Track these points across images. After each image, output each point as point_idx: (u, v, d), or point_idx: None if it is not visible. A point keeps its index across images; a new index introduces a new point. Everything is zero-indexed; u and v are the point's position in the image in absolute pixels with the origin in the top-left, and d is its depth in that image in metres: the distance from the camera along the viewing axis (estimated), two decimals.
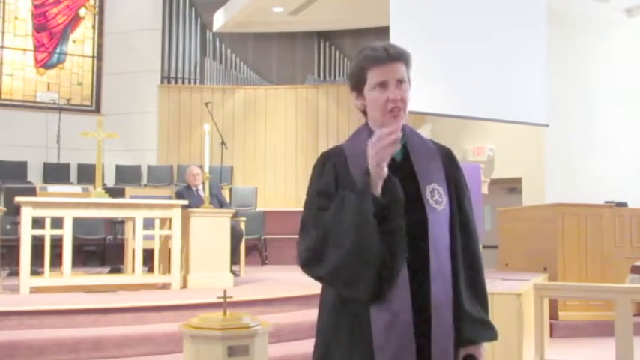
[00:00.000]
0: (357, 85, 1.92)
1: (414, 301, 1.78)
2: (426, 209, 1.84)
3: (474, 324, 1.89)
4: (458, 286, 1.88)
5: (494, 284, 5.87)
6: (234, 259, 7.27)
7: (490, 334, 1.92)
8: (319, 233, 1.77)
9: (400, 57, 1.88)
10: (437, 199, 1.88)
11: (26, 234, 5.54)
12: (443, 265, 1.85)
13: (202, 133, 6.99)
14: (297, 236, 1.87)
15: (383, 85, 1.86)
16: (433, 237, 1.84)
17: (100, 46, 12.01)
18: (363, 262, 1.71)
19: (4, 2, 11.40)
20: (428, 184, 1.88)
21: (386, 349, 1.75)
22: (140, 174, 11.35)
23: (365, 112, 1.95)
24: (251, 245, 9.42)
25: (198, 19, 12.17)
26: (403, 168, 1.87)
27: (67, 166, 10.65)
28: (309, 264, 1.79)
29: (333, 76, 12.15)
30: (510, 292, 5.17)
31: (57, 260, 5.91)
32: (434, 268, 1.82)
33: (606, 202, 7.79)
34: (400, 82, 1.87)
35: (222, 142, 9.37)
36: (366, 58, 1.88)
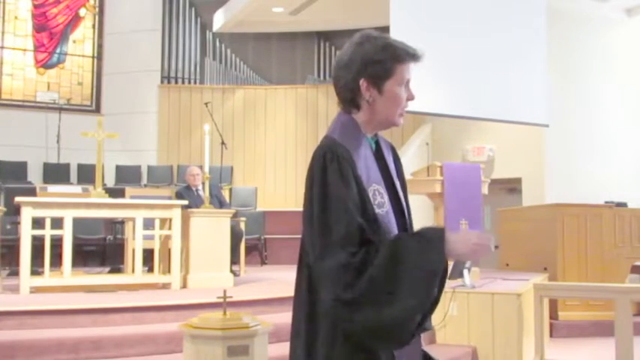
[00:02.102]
0: (379, 76, 1.77)
1: None
2: (404, 207, 1.87)
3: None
4: None
5: (495, 284, 5.88)
6: (234, 259, 7.27)
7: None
8: (367, 277, 1.59)
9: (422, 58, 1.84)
10: (404, 194, 1.91)
11: (26, 234, 5.53)
12: None
13: (202, 133, 6.99)
14: (314, 240, 1.68)
15: (407, 83, 1.81)
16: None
17: (100, 46, 12.00)
18: (414, 319, 1.64)
19: (4, 2, 11.39)
20: (396, 180, 1.89)
21: (402, 353, 1.74)
22: (140, 174, 11.35)
23: (358, 105, 1.81)
24: (251, 245, 9.42)
25: (198, 19, 12.17)
26: (382, 163, 1.86)
27: (67, 166, 10.65)
28: (349, 306, 1.59)
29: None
30: (510, 292, 5.18)
31: (57, 260, 5.91)
32: None
33: (606, 202, 7.79)
34: None
35: (222, 142, 9.37)
36: (405, 51, 1.78)
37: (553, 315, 6.88)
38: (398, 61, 1.77)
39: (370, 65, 1.76)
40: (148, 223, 6.07)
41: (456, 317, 5.10)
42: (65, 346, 4.15)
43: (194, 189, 7.56)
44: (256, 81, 12.16)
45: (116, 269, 7.48)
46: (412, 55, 1.79)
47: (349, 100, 1.83)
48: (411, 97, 1.82)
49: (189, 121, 11.70)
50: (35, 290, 5.57)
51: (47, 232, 5.69)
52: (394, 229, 1.76)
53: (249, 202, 10.37)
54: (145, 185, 11.12)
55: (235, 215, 7.47)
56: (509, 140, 9.40)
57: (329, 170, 1.70)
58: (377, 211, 1.72)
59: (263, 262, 9.67)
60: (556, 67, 8.77)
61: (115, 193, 7.47)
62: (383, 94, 1.79)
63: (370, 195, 1.73)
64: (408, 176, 6.53)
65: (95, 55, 12.01)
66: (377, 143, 1.89)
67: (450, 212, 6.25)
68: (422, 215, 7.26)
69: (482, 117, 8.29)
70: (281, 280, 6.89)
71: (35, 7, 11.65)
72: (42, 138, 10.76)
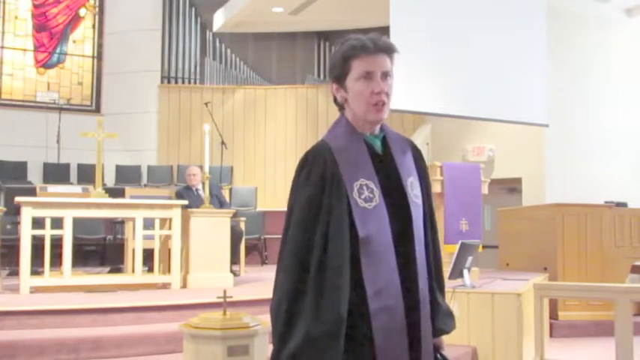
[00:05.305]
0: (340, 76, 1.85)
1: (405, 298, 1.80)
2: (410, 203, 1.85)
3: (444, 315, 1.95)
4: (431, 279, 1.92)
5: (495, 284, 5.87)
6: (234, 259, 7.27)
7: (454, 324, 1.99)
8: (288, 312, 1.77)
9: (387, 49, 1.83)
10: (416, 192, 1.89)
11: (26, 234, 5.54)
12: (423, 259, 1.87)
13: (202, 133, 6.99)
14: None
15: (368, 76, 1.81)
16: (416, 231, 1.85)
17: (100, 46, 12.00)
18: None
19: (4, 2, 11.39)
20: (407, 177, 1.88)
21: (386, 350, 1.75)
22: (140, 174, 11.35)
23: (342, 106, 1.89)
24: (251, 245, 9.42)
25: (198, 19, 12.17)
26: (385, 160, 1.87)
27: (67, 166, 10.65)
28: (276, 323, 1.80)
29: None
30: (510, 292, 5.18)
31: (57, 260, 5.91)
32: (419, 263, 1.84)
33: (606, 202, 7.78)
34: (385, 75, 1.83)
35: (222, 142, 9.37)
36: (352, 47, 1.82)
37: (553, 315, 6.88)
38: (350, 57, 1.82)
39: (332, 68, 1.87)
40: (148, 223, 6.07)
41: (456, 317, 5.10)
42: (65, 346, 4.15)
43: (194, 189, 7.56)
44: (256, 81, 12.16)
45: (116, 269, 7.48)
46: (360, 48, 1.81)
47: (335, 101, 1.92)
48: (377, 90, 1.81)
49: (189, 121, 11.69)
50: (35, 290, 5.57)
51: (47, 232, 5.69)
52: (384, 223, 1.79)
53: (249, 202, 10.37)
54: (145, 185, 11.12)
55: (235, 215, 7.47)
56: (509, 140, 9.40)
57: (299, 178, 1.82)
58: (363, 205, 1.77)
59: (263, 262, 9.68)
60: (556, 67, 8.77)
61: (114, 193, 7.47)
62: (349, 92, 1.85)
63: (355, 190, 1.78)
64: None
65: (95, 55, 12.01)
66: (384, 141, 1.90)
67: (450, 212, 6.24)
68: None
69: (482, 117, 8.28)
70: None
71: (35, 7, 11.65)
72: (42, 138, 10.76)
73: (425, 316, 1.84)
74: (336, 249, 1.74)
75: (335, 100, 1.91)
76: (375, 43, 1.81)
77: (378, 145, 1.88)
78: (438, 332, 1.93)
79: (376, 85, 1.80)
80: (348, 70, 1.82)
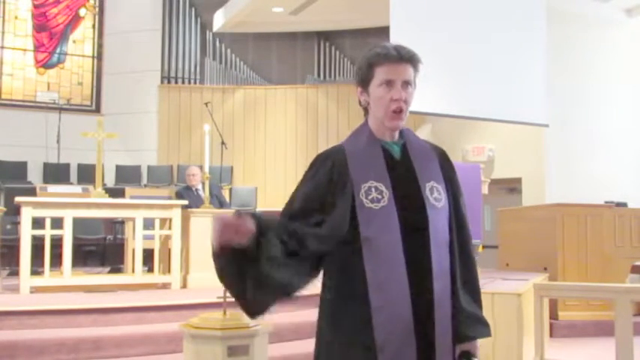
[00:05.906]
0: (364, 80, 1.93)
1: (415, 298, 1.80)
2: (426, 206, 1.86)
3: (471, 321, 1.91)
4: (455, 283, 1.90)
5: (495, 284, 5.87)
6: None
7: (486, 330, 1.95)
8: None
9: (410, 59, 1.90)
10: (436, 196, 1.91)
11: (26, 234, 5.54)
12: (443, 261, 1.87)
13: (202, 133, 6.99)
14: None
15: (389, 83, 1.88)
16: (434, 234, 1.85)
17: (100, 46, 12.00)
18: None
19: (4, 2, 11.40)
20: (427, 182, 1.91)
21: (387, 350, 1.76)
22: (140, 174, 11.35)
23: (366, 109, 1.97)
24: None
25: (198, 19, 12.17)
26: (402, 166, 1.92)
27: (67, 166, 10.64)
28: None
29: (333, 76, 12.15)
30: (510, 292, 5.18)
31: (57, 260, 5.90)
32: (435, 265, 1.84)
33: (606, 202, 7.78)
34: (406, 83, 1.89)
35: (222, 142, 9.37)
36: (377, 55, 1.90)
37: (553, 315, 6.88)
38: (374, 64, 1.90)
39: (357, 72, 1.96)
40: (148, 223, 6.07)
41: None
42: (65, 346, 4.15)
43: (194, 189, 7.55)
44: (256, 81, 12.16)
45: (116, 269, 7.48)
46: (384, 56, 1.89)
47: (360, 105, 2.00)
48: (396, 97, 1.88)
49: (189, 121, 11.69)
50: (35, 290, 5.57)
51: (47, 232, 5.69)
52: (390, 223, 1.82)
53: (249, 202, 10.37)
54: (145, 185, 11.12)
55: None
56: (509, 140, 9.40)
57: (308, 171, 1.95)
58: (369, 205, 1.83)
59: None
60: (556, 67, 8.77)
61: (115, 193, 7.48)
62: (370, 97, 1.93)
63: (363, 190, 1.84)
64: None
65: (95, 55, 12.01)
66: (404, 147, 1.95)
67: None
68: None
69: (482, 117, 8.28)
70: None
71: (35, 7, 11.65)
72: (42, 138, 10.76)
73: (440, 319, 1.82)
74: (327, 247, 1.85)
75: (359, 102, 1.99)
76: (400, 52, 1.89)
77: (396, 150, 1.94)
78: (464, 338, 1.89)
79: (396, 92, 1.88)
80: (372, 76, 1.91)
